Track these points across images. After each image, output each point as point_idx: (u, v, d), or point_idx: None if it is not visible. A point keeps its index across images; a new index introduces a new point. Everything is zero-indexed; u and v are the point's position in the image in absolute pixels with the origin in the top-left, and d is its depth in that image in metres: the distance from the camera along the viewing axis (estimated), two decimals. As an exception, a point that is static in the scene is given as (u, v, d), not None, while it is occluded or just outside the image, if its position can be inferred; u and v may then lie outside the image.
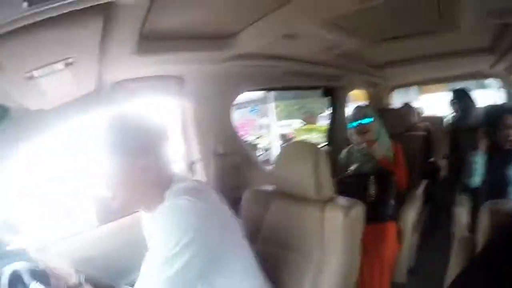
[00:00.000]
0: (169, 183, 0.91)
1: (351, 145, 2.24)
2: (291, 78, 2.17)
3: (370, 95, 3.79)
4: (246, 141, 8.55)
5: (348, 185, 1.94)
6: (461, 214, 1.85)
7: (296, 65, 1.98)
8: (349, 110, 3.11)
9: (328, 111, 3.30)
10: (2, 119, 1.00)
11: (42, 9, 0.59)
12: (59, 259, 0.94)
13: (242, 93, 1.98)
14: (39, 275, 0.87)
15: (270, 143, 9.61)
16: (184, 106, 1.72)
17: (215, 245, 0.84)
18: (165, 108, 1.74)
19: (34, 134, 1.12)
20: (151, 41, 1.09)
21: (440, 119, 3.70)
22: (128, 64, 1.17)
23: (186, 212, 0.82)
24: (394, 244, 1.84)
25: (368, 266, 1.65)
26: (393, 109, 3.24)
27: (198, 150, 1.76)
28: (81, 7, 0.65)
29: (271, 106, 11.27)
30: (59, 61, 0.81)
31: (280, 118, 13.86)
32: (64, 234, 1.37)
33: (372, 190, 1.91)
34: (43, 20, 0.63)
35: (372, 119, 2.07)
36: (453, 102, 3.17)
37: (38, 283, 0.84)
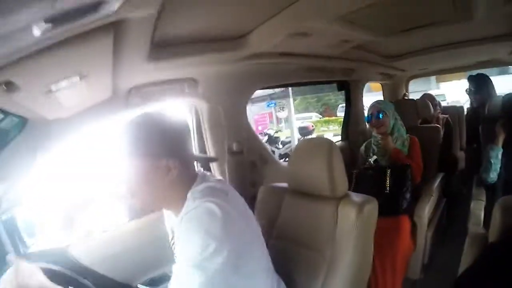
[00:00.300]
0: (191, 182, 0.92)
1: (369, 140, 2.27)
2: (305, 74, 2.16)
3: (385, 87, 3.72)
4: (265, 134, 8.66)
5: (365, 177, 2.02)
6: (477, 209, 1.80)
7: (309, 60, 1.97)
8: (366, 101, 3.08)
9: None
10: (20, 129, 1.03)
11: (59, 30, 0.62)
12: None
13: (256, 90, 1.99)
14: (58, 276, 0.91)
15: (290, 137, 9.58)
16: (198, 107, 1.74)
17: (240, 247, 0.86)
18: (179, 110, 1.77)
19: (53, 142, 1.14)
20: (163, 47, 1.11)
21: (461, 109, 3.57)
22: (141, 71, 1.19)
23: (216, 216, 0.82)
24: (408, 239, 1.83)
25: (381, 261, 1.65)
26: (410, 101, 3.16)
27: (212, 149, 1.79)
28: (92, 26, 0.68)
29: (290, 101, 11.32)
30: (74, 75, 0.84)
31: (297, 111, 13.87)
32: (82, 234, 1.42)
33: (388, 182, 1.93)
34: (57, 41, 0.66)
35: (385, 114, 2.11)
36: (470, 91, 2.90)
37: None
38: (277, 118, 13.31)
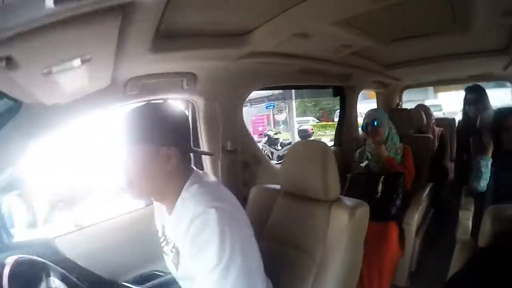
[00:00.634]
0: (188, 176, 0.93)
1: (363, 147, 2.33)
2: (302, 77, 2.17)
3: (380, 95, 3.77)
4: (265, 135, 8.65)
5: (358, 182, 2.08)
6: (465, 218, 1.83)
7: (308, 63, 1.97)
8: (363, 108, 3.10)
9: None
10: (14, 114, 1.01)
11: (65, 7, 0.61)
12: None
13: (253, 90, 2.00)
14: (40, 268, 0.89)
15: (290, 138, 9.69)
16: (195, 103, 1.74)
17: (245, 247, 0.87)
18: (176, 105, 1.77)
19: (48, 129, 1.13)
20: (167, 39, 1.10)
21: (453, 121, 3.64)
22: (143, 61, 1.18)
23: (223, 219, 0.83)
24: (396, 246, 1.86)
25: (368, 266, 1.66)
26: (404, 110, 3.20)
27: (207, 147, 1.78)
28: (102, 6, 0.67)
29: (292, 103, 11.47)
30: (76, 57, 0.82)
31: (296, 115, 14.03)
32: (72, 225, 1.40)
33: (380, 189, 1.98)
34: (64, 18, 0.65)
35: (380, 123, 2.16)
36: (467, 102, 2.89)
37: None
38: (274, 120, 13.40)
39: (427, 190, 2.27)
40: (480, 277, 0.60)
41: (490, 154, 1.86)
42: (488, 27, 1.67)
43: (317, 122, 15.01)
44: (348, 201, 1.20)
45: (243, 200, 1.28)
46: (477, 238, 1.15)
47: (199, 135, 1.79)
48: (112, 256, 1.40)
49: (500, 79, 3.38)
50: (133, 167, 0.89)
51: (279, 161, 2.89)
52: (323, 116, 16.10)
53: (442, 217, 2.49)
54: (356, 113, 3.15)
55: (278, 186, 1.35)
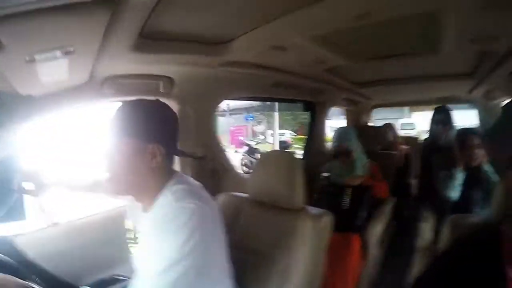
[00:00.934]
0: (169, 177, 0.93)
1: (332, 161, 2.35)
2: (277, 90, 2.22)
3: (349, 113, 3.89)
4: (246, 144, 8.60)
5: (326, 194, 2.15)
6: (426, 229, 1.93)
7: (283, 76, 2.03)
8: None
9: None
10: None
11: None
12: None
13: (228, 99, 2.02)
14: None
15: (271, 149, 9.88)
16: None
17: (211, 250, 0.87)
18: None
19: (18, 120, 1.10)
20: (149, 40, 1.11)
21: (415, 140, 3.85)
22: (123, 60, 1.19)
23: (194, 215, 0.83)
24: (359, 256, 1.90)
25: (332, 276, 1.68)
26: (371, 127, 3.34)
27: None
28: None
29: (276, 115, 11.71)
30: (60, 47, 0.81)
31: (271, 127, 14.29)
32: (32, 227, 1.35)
33: (346, 200, 2.05)
34: (55, 5, 0.65)
35: (349, 141, 2.23)
36: (438, 121, 2.99)
37: None
38: (253, 131, 13.55)
39: (390, 205, 2.37)
40: (441, 282, 0.65)
41: (460, 166, 2.00)
42: (456, 51, 1.76)
43: (294, 136, 15.20)
44: (313, 210, 1.24)
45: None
46: (437, 247, 1.22)
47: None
48: (73, 258, 1.36)
49: (465, 102, 3.55)
50: (117, 161, 0.89)
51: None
52: (300, 130, 16.31)
53: (404, 229, 2.59)
54: (324, 128, 3.24)
55: (245, 195, 1.37)
